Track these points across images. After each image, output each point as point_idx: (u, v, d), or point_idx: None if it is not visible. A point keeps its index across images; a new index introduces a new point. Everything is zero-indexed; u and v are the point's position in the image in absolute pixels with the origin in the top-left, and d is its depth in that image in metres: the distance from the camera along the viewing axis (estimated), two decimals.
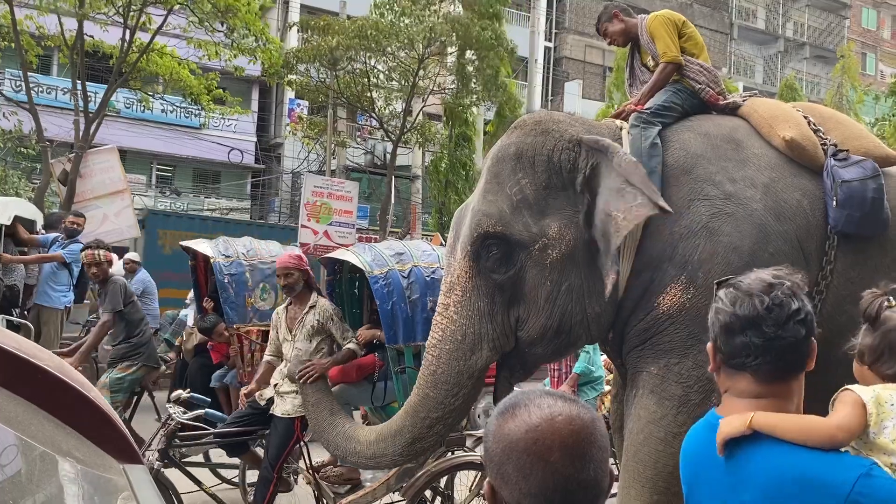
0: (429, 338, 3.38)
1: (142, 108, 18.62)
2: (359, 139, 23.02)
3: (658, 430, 3.04)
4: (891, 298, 1.86)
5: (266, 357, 4.99)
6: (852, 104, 24.83)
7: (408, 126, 17.14)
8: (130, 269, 8.99)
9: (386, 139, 18.49)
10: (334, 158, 18.98)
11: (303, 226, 13.34)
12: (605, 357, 6.15)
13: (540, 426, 1.10)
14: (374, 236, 16.82)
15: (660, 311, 3.11)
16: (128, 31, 12.51)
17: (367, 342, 4.83)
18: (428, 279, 4.63)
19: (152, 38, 12.80)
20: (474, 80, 16.90)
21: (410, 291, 4.54)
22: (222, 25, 12.69)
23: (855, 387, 1.76)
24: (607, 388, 5.72)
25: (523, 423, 1.11)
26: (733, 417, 1.55)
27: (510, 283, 3.18)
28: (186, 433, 4.86)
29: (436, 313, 3.39)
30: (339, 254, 5.11)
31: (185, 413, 4.71)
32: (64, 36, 12.49)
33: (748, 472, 1.51)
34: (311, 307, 4.70)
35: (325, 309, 4.70)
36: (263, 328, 5.93)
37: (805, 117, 3.47)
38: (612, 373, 5.87)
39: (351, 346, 4.61)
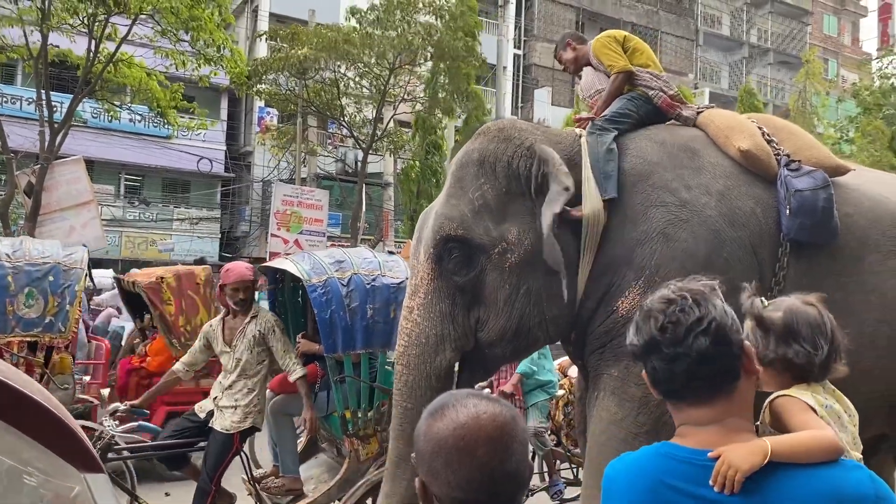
0: (396, 347, 3.42)
1: (109, 119, 18.42)
2: (329, 147, 22.97)
3: (619, 430, 3.11)
4: (762, 299, 1.88)
5: (176, 366, 4.89)
6: (815, 108, 25.30)
7: (378, 134, 17.16)
8: None
9: (356, 147, 18.49)
10: (305, 167, 18.93)
11: (273, 235, 13.32)
12: (558, 362, 6.25)
13: (466, 424, 1.19)
14: (346, 244, 16.81)
15: (619, 314, 3.19)
16: (93, 42, 12.40)
17: (307, 354, 4.81)
18: (368, 287, 4.62)
19: (117, 47, 12.69)
20: (443, 92, 16.96)
21: (350, 299, 4.52)
22: (186, 34, 12.63)
23: (792, 392, 1.77)
24: (561, 392, 5.80)
25: (451, 422, 1.20)
26: (739, 448, 1.39)
27: (471, 285, 3.26)
28: (123, 446, 4.77)
29: (402, 318, 3.44)
30: (278, 263, 5.09)
31: (118, 426, 4.59)
32: (28, 46, 12.35)
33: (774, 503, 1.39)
34: (252, 317, 4.64)
35: (266, 319, 4.66)
36: (29, 339, 5.13)
37: (760, 128, 3.57)
38: (565, 377, 5.97)
39: (299, 372, 4.56)
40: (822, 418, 1.69)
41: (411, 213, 18.76)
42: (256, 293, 5.05)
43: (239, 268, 4.75)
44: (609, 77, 3.76)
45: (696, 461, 1.42)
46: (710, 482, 1.39)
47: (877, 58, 24.54)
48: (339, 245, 16.77)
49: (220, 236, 23.69)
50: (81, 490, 1.27)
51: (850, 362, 3.34)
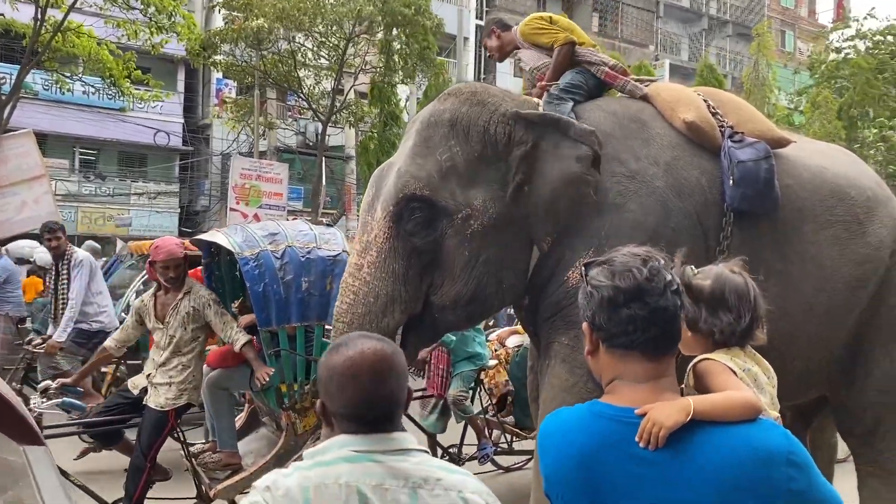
0: (337, 304, 3.34)
1: (62, 91, 17.95)
2: (289, 120, 22.68)
3: (570, 397, 3.15)
4: (692, 268, 1.95)
5: (107, 342, 4.82)
6: (767, 81, 25.63)
7: (337, 105, 16.96)
8: None
9: (316, 119, 18.29)
10: (264, 140, 18.69)
11: (232, 209, 13.17)
12: (497, 333, 6.33)
13: (353, 357, 1.54)
14: (308, 218, 16.70)
15: (569, 284, 3.23)
16: (39, 10, 12.01)
17: (248, 326, 4.75)
18: (303, 259, 4.57)
19: (66, 15, 12.30)
20: (398, 57, 16.76)
21: (284, 272, 4.48)
22: (137, 1, 12.28)
23: (714, 356, 1.84)
24: (493, 362, 5.85)
25: (342, 356, 1.55)
26: (665, 406, 1.47)
27: (429, 248, 3.23)
28: (54, 424, 4.70)
29: (346, 275, 3.36)
30: (209, 236, 4.97)
31: (44, 403, 4.53)
32: None
33: (697, 461, 1.45)
34: (185, 293, 4.54)
35: (200, 295, 4.56)
36: None
37: (705, 101, 3.64)
38: (503, 346, 6.06)
39: (243, 339, 4.48)
40: (741, 380, 1.77)
41: None
42: None
43: (168, 244, 4.60)
44: (547, 53, 3.81)
45: (626, 419, 1.50)
46: (636, 438, 1.47)
47: (831, 30, 24.89)
48: (301, 220, 16.63)
49: (179, 211, 23.31)
50: (20, 462, 1.28)
51: (791, 329, 3.50)
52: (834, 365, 3.77)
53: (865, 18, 24.01)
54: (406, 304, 3.25)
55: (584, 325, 1.59)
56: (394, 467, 1.50)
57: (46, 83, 18.37)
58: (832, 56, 24.13)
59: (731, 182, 3.36)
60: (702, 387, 1.79)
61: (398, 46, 16.68)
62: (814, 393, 3.93)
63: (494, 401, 5.89)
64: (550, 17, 3.87)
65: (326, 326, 4.76)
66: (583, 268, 1.62)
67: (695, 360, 1.87)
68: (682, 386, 1.86)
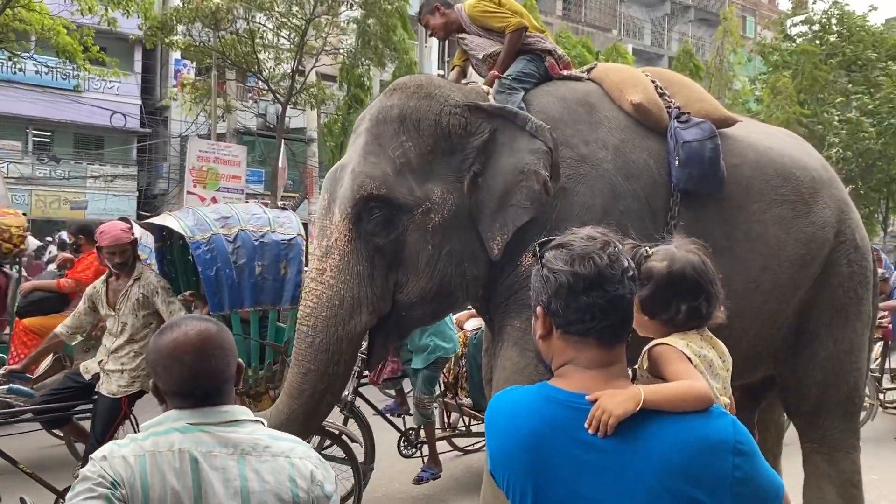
0: (301, 307, 3.31)
1: (13, 70, 17.40)
2: (249, 101, 22.36)
3: (521, 379, 3.14)
4: (647, 249, 1.89)
5: (58, 329, 4.74)
6: (732, 66, 25.92)
7: (297, 87, 16.75)
8: None
9: (276, 101, 18.04)
10: (223, 122, 18.39)
11: (189, 192, 12.95)
12: (456, 317, 6.18)
13: (177, 338, 1.66)
14: (268, 201, 16.51)
15: (521, 268, 3.22)
16: None
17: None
18: (256, 243, 4.51)
19: None
20: (375, 40, 16.59)
21: (237, 256, 4.42)
22: None
23: (670, 341, 1.80)
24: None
25: (168, 338, 1.67)
26: (615, 394, 1.46)
27: (391, 246, 3.19)
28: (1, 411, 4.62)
29: (308, 279, 3.32)
30: (160, 219, 4.88)
31: None
32: None
33: (645, 449, 1.43)
34: (135, 279, 4.47)
35: (149, 282, 4.49)
36: None
37: (652, 81, 3.63)
38: (461, 330, 6.03)
39: None
40: (697, 367, 1.75)
41: None
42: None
43: (114, 230, 4.49)
44: (497, 38, 3.72)
45: (576, 404, 1.48)
46: (585, 425, 1.45)
47: (790, 16, 25.16)
48: (263, 203, 16.46)
49: (137, 194, 22.93)
50: None
51: (738, 307, 3.54)
52: (780, 344, 3.82)
53: (814, 2, 24.35)
54: (373, 306, 3.20)
55: (539, 308, 1.55)
56: (223, 437, 1.65)
57: None
58: (785, 44, 24.38)
59: (676, 163, 3.37)
60: (656, 371, 1.77)
61: (372, 26, 16.42)
62: (761, 372, 3.99)
63: (446, 380, 5.90)
64: (499, 1, 3.77)
65: (280, 310, 4.72)
66: (537, 248, 1.58)
67: (650, 343, 1.84)
68: (636, 367, 1.86)
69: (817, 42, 23.15)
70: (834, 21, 23.06)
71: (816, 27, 23.49)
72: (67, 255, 7.38)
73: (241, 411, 1.71)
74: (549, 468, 1.47)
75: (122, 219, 6.01)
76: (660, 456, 1.41)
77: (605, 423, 1.43)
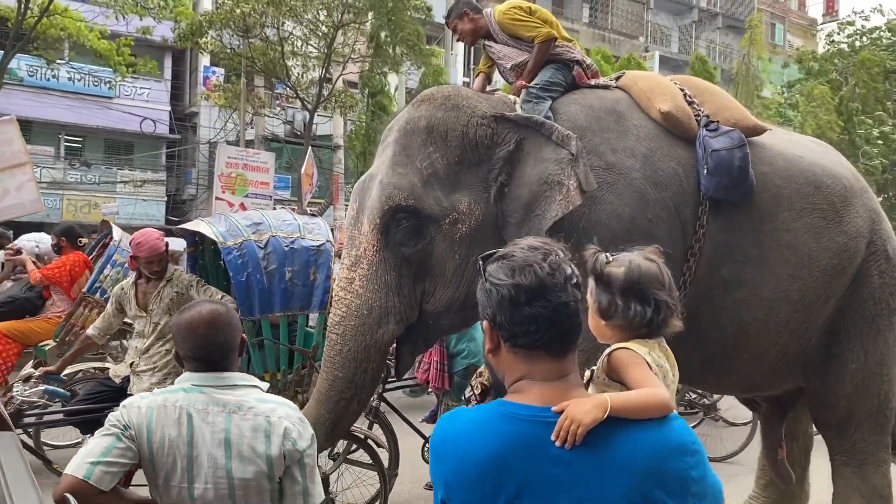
0: (331, 316, 3.36)
1: (47, 77, 17.68)
2: (277, 108, 22.53)
3: None
4: (608, 255, 1.90)
5: (89, 331, 4.81)
6: (758, 73, 25.65)
7: (325, 94, 16.87)
8: None
9: (304, 108, 18.18)
10: (251, 128, 18.55)
11: (217, 198, 13.10)
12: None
13: (194, 315, 2.14)
14: (295, 208, 16.62)
15: None
16: None
17: None
18: (287, 249, 4.57)
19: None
20: (387, 46, 16.63)
21: (267, 262, 4.48)
22: None
23: (631, 345, 1.81)
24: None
25: (188, 314, 2.16)
26: (582, 403, 1.45)
27: (418, 256, 3.23)
28: (34, 412, 4.70)
29: (338, 288, 3.37)
30: (193, 225, 4.94)
31: (27, 391, 4.52)
32: None
33: (612, 457, 1.43)
34: (168, 280, 4.54)
35: (182, 279, 4.57)
36: None
37: (681, 90, 3.64)
38: None
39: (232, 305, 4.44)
40: (655, 375, 1.76)
41: (360, 176, 18.49)
42: None
43: (150, 240, 4.52)
44: (525, 46, 3.73)
45: (542, 418, 1.45)
46: (553, 437, 1.43)
47: (823, 23, 24.90)
48: (285, 209, 16.55)
49: (165, 199, 23.18)
50: None
51: (767, 317, 3.50)
52: (809, 355, 3.78)
53: (871, 12, 24.04)
54: (401, 315, 3.25)
55: (485, 322, 1.53)
56: (216, 397, 2.09)
57: (31, 69, 18.18)
58: (822, 48, 24.11)
59: (705, 171, 3.36)
60: (615, 375, 1.78)
61: (384, 35, 16.51)
62: (790, 383, 3.95)
63: (478, 392, 5.90)
64: (530, 8, 3.78)
65: (309, 315, 4.76)
66: (480, 262, 1.56)
67: (610, 347, 1.85)
68: (594, 368, 1.88)
69: (883, 53, 22.81)
70: (887, 34, 22.82)
71: (867, 39, 23.22)
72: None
73: (239, 377, 2.16)
74: (517, 488, 1.42)
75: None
76: (631, 462, 1.42)
77: (573, 432, 1.41)
